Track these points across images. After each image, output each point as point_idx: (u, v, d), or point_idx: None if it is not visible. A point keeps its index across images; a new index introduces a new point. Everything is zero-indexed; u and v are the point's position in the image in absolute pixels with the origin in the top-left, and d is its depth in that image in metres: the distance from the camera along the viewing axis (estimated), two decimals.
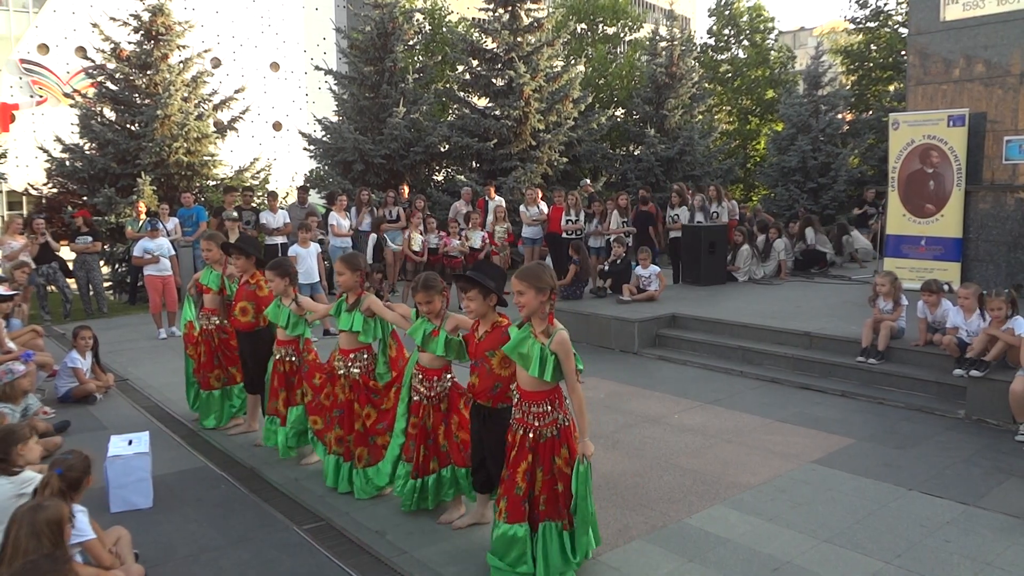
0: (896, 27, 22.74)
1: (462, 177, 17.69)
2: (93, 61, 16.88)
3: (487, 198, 14.99)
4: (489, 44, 19.74)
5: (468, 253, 12.98)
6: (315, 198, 16.87)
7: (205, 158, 16.40)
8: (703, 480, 5.48)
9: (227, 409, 6.94)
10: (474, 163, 19.22)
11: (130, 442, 5.35)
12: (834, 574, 4.15)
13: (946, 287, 7.86)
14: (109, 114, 16.66)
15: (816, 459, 5.84)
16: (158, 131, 15.44)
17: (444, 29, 24.37)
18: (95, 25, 16.32)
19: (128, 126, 16.29)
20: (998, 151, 9.84)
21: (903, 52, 19.25)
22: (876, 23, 23.41)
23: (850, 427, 6.51)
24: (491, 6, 19.40)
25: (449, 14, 25.95)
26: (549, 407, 4.02)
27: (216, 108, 17.19)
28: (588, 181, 17.47)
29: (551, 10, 22.55)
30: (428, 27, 25.36)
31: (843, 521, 4.75)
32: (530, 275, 3.97)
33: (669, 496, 5.22)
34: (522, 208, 14.29)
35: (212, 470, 5.88)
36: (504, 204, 14.58)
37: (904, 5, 21.22)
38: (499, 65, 19.14)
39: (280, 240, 13.04)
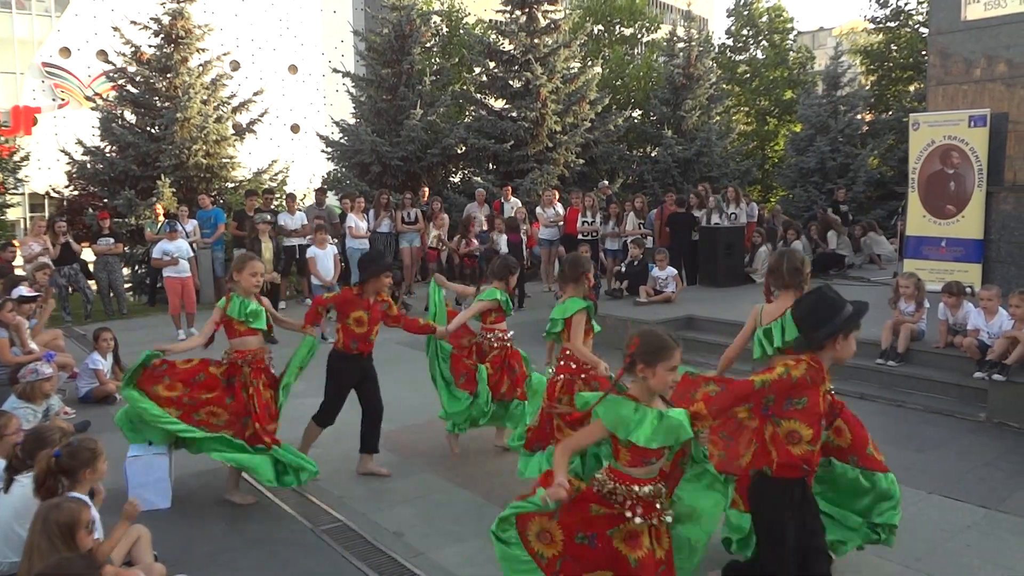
0: (916, 27, 22.56)
1: (479, 179, 17.72)
2: (114, 64, 17.04)
3: (503, 200, 15.02)
4: (506, 46, 19.76)
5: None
6: (332, 200, 16.95)
7: (224, 160, 16.50)
8: None
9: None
10: (491, 165, 19.24)
11: (150, 442, 5.39)
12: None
13: (968, 289, 7.78)
14: (130, 117, 16.83)
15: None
16: (178, 134, 15.57)
17: (461, 31, 24.43)
18: (116, 29, 16.48)
19: (148, 129, 16.44)
20: (1020, 151, 9.74)
21: (923, 52, 19.10)
22: (896, 23, 23.23)
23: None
24: (508, 8, 19.42)
25: (466, 16, 26.00)
26: None
27: (235, 111, 17.30)
28: (606, 183, 17.46)
29: (568, 12, 22.53)
30: (445, 29, 25.43)
31: None
32: None
33: None
34: (538, 210, 14.30)
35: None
36: (521, 206, 14.59)
37: (925, 5, 21.03)
38: (516, 67, 19.16)
39: (297, 241, 13.12)
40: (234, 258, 5.70)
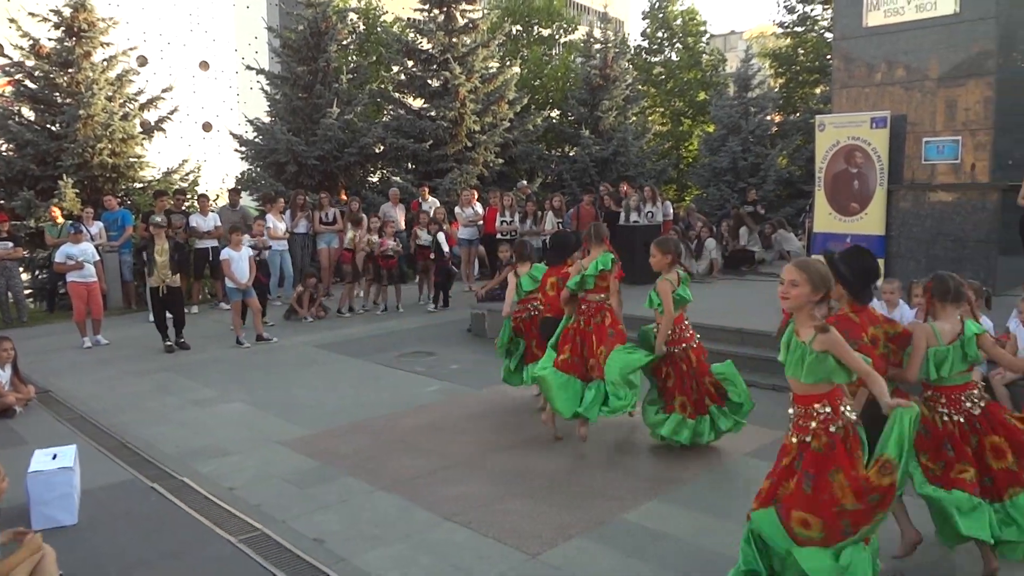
0: (822, 32, 23.40)
1: (398, 179, 17.57)
2: (10, 58, 16.15)
3: (421, 200, 14.93)
4: (424, 45, 19.65)
5: (420, 251, 12.88)
6: (247, 200, 16.52)
7: (131, 160, 15.85)
8: (640, 476, 5.54)
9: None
10: (410, 164, 19.10)
11: (55, 456, 5.15)
12: None
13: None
14: (28, 113, 16.00)
15: (749, 452, 5.97)
16: (80, 131, 14.89)
17: (379, 29, 24.14)
18: (12, 21, 15.64)
19: (48, 126, 15.66)
20: (918, 152, 10.22)
21: (829, 56, 19.83)
22: (803, 28, 24.06)
23: (781, 420, 6.58)
24: (426, 7, 19.32)
25: (384, 14, 25.72)
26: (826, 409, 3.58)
27: (142, 108, 16.65)
28: (525, 182, 17.55)
29: (486, 11, 22.55)
30: (362, 27, 25.10)
31: None
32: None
33: (607, 493, 5.27)
34: (457, 209, 14.28)
35: (142, 482, 5.70)
36: (440, 205, 14.52)
37: (830, 11, 21.86)
38: (434, 66, 19.07)
39: (211, 243, 12.75)
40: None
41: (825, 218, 10.96)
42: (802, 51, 24.25)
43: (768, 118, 21.42)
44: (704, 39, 29.01)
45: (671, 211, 14.84)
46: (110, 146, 15.19)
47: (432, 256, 12.67)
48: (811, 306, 3.61)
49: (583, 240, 6.56)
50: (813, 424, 3.57)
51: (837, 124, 10.82)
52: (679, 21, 28.65)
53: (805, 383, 3.58)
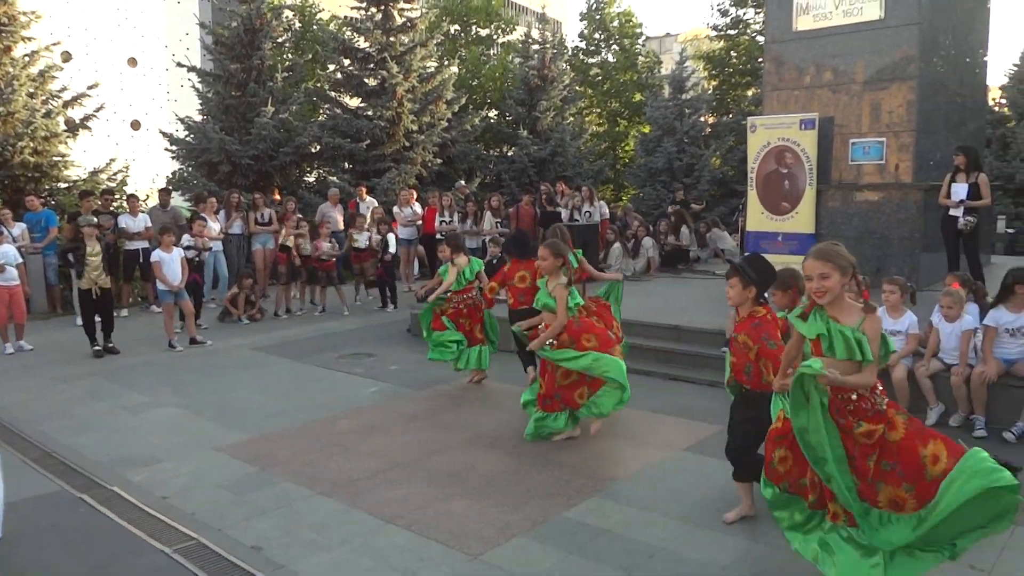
0: (754, 35, 24.00)
1: (335, 179, 17.36)
2: None
3: (358, 200, 14.79)
4: (361, 43, 19.48)
5: (355, 254, 12.84)
6: (179, 200, 16.11)
7: (55, 159, 15.31)
8: (580, 474, 5.58)
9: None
10: (347, 164, 18.91)
11: None
12: (705, 556, 4.33)
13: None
14: None
15: (688, 447, 6.07)
16: (0, 129, 14.33)
17: (315, 27, 23.82)
18: None
19: None
20: (845, 153, 10.55)
21: (760, 59, 20.33)
22: (736, 31, 24.63)
23: (719, 415, 6.75)
24: (363, 5, 19.16)
25: (320, 11, 25.39)
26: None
27: (67, 105, 16.08)
28: (464, 182, 17.53)
29: (424, 10, 22.47)
30: (298, 24, 24.74)
31: (715, 505, 4.95)
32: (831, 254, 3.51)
33: (547, 491, 5.29)
34: (395, 209, 14.19)
35: (70, 493, 5.50)
36: (378, 205, 14.43)
37: (761, 14, 22.40)
38: (371, 65, 18.91)
39: (141, 245, 12.40)
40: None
41: (757, 217, 11.22)
42: (735, 54, 24.83)
43: (702, 119, 21.86)
44: (640, 41, 29.43)
45: (607, 211, 14.99)
46: (32, 144, 14.65)
47: (380, 257, 12.72)
48: (844, 291, 3.51)
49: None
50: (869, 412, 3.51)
51: (768, 126, 11.10)
52: (616, 23, 29.00)
53: (864, 367, 3.48)
